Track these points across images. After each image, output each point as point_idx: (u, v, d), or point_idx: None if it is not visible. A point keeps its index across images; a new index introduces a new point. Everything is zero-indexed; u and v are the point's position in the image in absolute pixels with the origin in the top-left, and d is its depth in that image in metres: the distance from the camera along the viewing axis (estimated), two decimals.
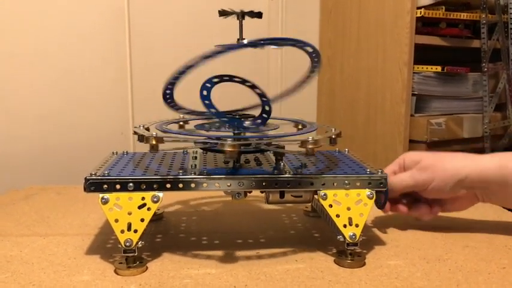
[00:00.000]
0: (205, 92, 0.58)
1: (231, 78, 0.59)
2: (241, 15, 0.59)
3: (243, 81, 0.58)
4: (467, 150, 1.26)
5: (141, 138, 0.56)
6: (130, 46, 1.31)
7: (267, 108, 0.58)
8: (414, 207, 0.66)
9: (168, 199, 0.80)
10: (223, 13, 0.60)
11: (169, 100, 0.62)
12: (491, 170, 0.60)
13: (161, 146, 0.56)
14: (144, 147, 0.61)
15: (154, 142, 0.55)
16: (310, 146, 0.55)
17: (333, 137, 0.59)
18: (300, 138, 0.57)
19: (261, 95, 0.57)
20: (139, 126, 0.62)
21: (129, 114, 1.34)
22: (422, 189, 0.63)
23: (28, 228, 0.68)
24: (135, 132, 0.59)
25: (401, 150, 1.22)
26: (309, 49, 0.56)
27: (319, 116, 1.54)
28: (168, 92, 0.61)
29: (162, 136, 0.55)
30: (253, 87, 0.57)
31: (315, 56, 0.58)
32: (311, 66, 0.60)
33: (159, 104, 1.34)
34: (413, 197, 0.66)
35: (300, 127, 0.70)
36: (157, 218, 0.72)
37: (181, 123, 0.70)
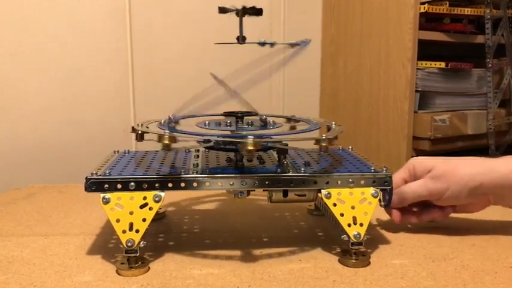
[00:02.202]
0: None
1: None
2: (241, 12, 0.59)
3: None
4: (471, 146, 1.27)
5: (158, 139, 0.53)
6: (132, 43, 1.30)
7: None
8: (426, 213, 0.64)
9: (170, 198, 0.79)
10: (223, 10, 0.59)
11: None
12: (506, 175, 0.59)
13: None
14: (146, 146, 0.61)
15: (168, 142, 0.53)
16: (324, 144, 0.55)
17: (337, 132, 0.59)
18: (315, 137, 0.56)
19: None
20: (139, 125, 0.61)
21: (131, 112, 1.33)
22: (437, 198, 0.62)
23: (29, 228, 0.68)
24: (132, 130, 0.58)
25: (405, 147, 1.21)
26: None
27: (322, 113, 1.54)
28: None
29: (175, 135, 0.54)
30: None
31: None
32: None
33: (160, 101, 1.34)
34: (423, 202, 0.64)
35: (292, 123, 0.69)
36: (159, 217, 0.71)
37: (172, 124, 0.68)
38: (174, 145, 0.54)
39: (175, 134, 0.54)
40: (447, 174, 0.60)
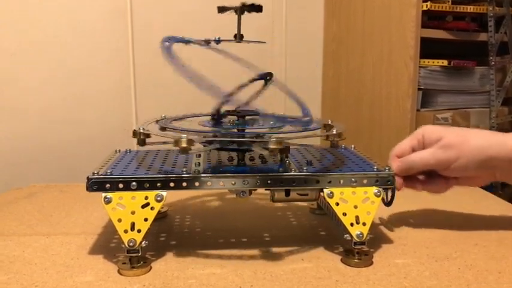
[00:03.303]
0: None
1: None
2: (240, 10, 0.58)
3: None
4: None
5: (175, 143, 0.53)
6: (133, 43, 1.30)
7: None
8: (430, 182, 0.63)
9: (172, 197, 0.79)
10: (222, 9, 0.58)
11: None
12: None
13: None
14: (147, 145, 0.60)
15: (185, 145, 0.52)
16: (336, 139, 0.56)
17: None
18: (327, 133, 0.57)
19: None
20: (140, 128, 0.60)
21: (132, 111, 1.33)
22: (444, 168, 0.60)
23: (31, 228, 0.68)
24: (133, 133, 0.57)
25: None
26: None
27: (324, 111, 1.53)
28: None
29: (193, 138, 0.53)
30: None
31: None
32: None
33: (161, 100, 1.34)
34: (428, 172, 0.63)
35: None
36: (161, 216, 0.71)
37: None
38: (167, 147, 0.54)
39: (191, 136, 0.53)
40: (457, 144, 0.59)
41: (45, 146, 1.25)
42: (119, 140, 1.29)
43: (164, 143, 0.67)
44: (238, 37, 0.59)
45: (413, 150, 0.63)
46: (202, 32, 1.33)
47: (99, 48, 1.28)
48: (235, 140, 0.57)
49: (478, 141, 0.59)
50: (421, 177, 0.64)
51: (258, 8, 0.57)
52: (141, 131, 0.58)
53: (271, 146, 0.52)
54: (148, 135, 0.58)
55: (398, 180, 0.62)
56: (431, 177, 0.63)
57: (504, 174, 0.61)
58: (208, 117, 0.66)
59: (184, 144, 0.52)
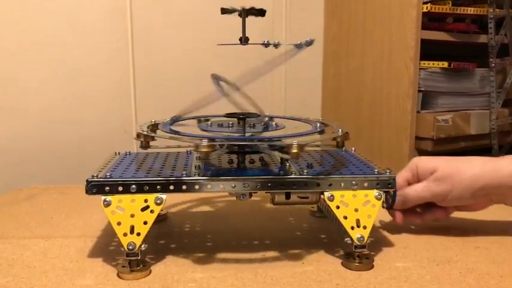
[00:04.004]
0: None
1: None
2: (244, 13, 0.58)
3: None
4: (474, 146, 1.26)
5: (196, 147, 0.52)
6: (133, 43, 1.30)
7: None
8: (429, 213, 0.64)
9: (172, 199, 0.79)
10: (225, 11, 0.58)
11: None
12: (510, 176, 0.59)
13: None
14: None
15: (207, 150, 0.51)
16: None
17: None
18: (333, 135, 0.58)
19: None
20: (143, 131, 0.59)
21: (132, 112, 1.33)
22: (440, 200, 0.61)
23: (30, 230, 0.67)
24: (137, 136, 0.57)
25: (408, 147, 1.21)
26: None
27: (324, 113, 1.53)
28: None
29: (214, 143, 0.53)
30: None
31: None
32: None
33: (161, 101, 1.34)
34: (426, 203, 0.64)
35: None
36: (160, 219, 0.70)
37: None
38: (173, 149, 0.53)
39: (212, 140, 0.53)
40: (450, 176, 0.60)
41: (45, 146, 1.25)
42: (118, 140, 1.29)
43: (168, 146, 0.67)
44: (244, 40, 0.58)
45: (409, 182, 0.63)
46: (202, 32, 1.34)
47: (99, 48, 1.27)
48: (249, 144, 0.57)
49: (470, 170, 0.60)
50: (418, 209, 0.65)
51: (261, 12, 0.57)
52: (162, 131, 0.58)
53: (293, 151, 0.52)
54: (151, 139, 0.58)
55: (397, 215, 0.63)
56: (429, 207, 0.64)
57: (501, 198, 0.62)
58: (208, 120, 0.66)
59: (205, 149, 0.51)
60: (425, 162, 0.63)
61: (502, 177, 0.59)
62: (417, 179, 0.63)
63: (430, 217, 0.64)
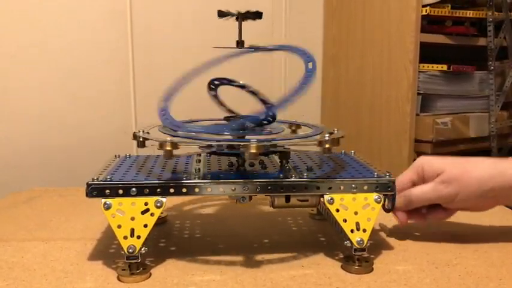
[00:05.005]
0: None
1: (230, 82, 0.58)
2: (241, 17, 0.58)
3: (243, 86, 0.57)
4: (473, 149, 1.27)
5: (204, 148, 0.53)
6: (133, 45, 1.30)
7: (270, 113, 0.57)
8: (432, 213, 0.63)
9: (172, 202, 0.79)
10: (222, 14, 0.58)
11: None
12: None
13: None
14: (146, 149, 0.60)
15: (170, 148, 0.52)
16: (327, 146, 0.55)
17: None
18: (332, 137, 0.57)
19: (264, 101, 0.56)
20: (140, 131, 0.60)
21: (132, 114, 1.33)
22: (446, 202, 0.60)
23: (30, 233, 0.67)
24: (134, 137, 0.57)
25: (407, 150, 1.21)
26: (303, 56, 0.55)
27: (324, 116, 1.53)
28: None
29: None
30: (253, 93, 0.56)
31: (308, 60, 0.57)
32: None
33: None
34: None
35: (293, 128, 0.69)
36: (160, 222, 0.70)
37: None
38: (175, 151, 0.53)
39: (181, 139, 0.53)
40: (458, 179, 0.59)
41: (45, 148, 1.25)
42: (118, 142, 1.29)
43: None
44: (240, 44, 0.59)
45: (414, 183, 0.62)
46: (202, 32, 1.34)
47: (99, 48, 1.27)
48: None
49: (477, 173, 0.59)
50: (423, 210, 0.64)
51: (257, 15, 0.57)
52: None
53: (251, 151, 0.52)
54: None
55: (401, 215, 0.62)
56: (433, 208, 0.63)
57: (507, 200, 0.62)
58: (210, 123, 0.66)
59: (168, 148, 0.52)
60: (431, 163, 0.61)
61: (507, 180, 0.58)
62: (422, 179, 0.62)
63: (433, 218, 0.63)
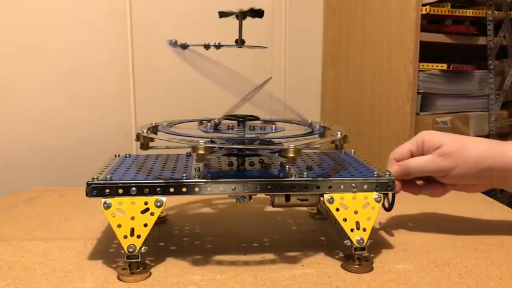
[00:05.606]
0: None
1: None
2: (241, 16, 0.58)
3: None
4: None
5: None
6: (133, 45, 1.30)
7: None
8: (427, 187, 0.63)
9: (172, 201, 0.79)
10: (222, 14, 0.58)
11: None
12: None
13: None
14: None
15: (203, 151, 0.51)
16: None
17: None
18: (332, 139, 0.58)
19: None
20: (143, 131, 0.60)
21: (132, 114, 1.33)
22: (442, 175, 0.61)
23: (30, 233, 0.67)
24: (137, 138, 0.58)
25: None
26: None
27: (323, 115, 1.53)
28: None
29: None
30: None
31: None
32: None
33: (161, 101, 1.34)
34: (425, 176, 0.64)
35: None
36: (160, 221, 0.70)
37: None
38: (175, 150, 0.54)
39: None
40: (456, 153, 0.59)
41: (44, 148, 1.25)
42: (118, 143, 1.30)
43: (167, 147, 0.67)
44: (240, 42, 0.59)
45: (412, 154, 0.63)
46: (202, 33, 1.34)
47: (99, 48, 1.27)
48: (253, 148, 0.57)
49: (476, 150, 0.60)
50: (419, 182, 0.64)
51: (259, 14, 0.57)
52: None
53: (290, 155, 0.52)
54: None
55: (396, 183, 0.62)
56: (429, 181, 0.64)
57: (501, 182, 0.62)
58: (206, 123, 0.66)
59: (201, 151, 0.51)
60: (432, 137, 0.62)
61: (505, 161, 0.59)
62: (421, 152, 0.62)
63: (427, 191, 0.64)
